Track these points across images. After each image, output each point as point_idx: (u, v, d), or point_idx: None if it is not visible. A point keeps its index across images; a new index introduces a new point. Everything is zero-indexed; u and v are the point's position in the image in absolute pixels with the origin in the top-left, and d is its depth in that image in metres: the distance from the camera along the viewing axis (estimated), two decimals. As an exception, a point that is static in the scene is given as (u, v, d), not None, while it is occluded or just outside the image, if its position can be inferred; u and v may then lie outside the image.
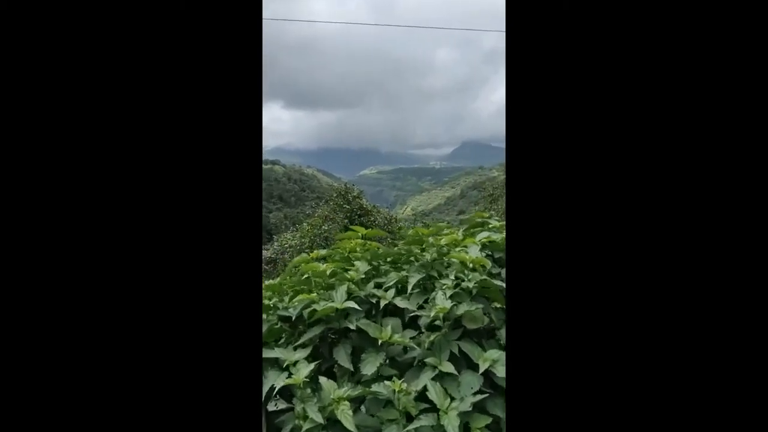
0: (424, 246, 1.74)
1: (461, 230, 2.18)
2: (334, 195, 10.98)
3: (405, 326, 1.49)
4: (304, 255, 1.95)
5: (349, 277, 1.59)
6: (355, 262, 1.67)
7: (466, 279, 1.43)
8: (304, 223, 11.42)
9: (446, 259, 1.71)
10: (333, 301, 1.42)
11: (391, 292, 1.54)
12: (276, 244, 11.85)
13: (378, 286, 1.64)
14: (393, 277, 1.60)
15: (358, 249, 1.84)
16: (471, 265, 1.47)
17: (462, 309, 1.33)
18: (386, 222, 10.94)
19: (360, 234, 1.79)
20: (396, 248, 1.89)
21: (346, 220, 10.41)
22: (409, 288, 1.52)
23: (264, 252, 12.06)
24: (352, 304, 1.36)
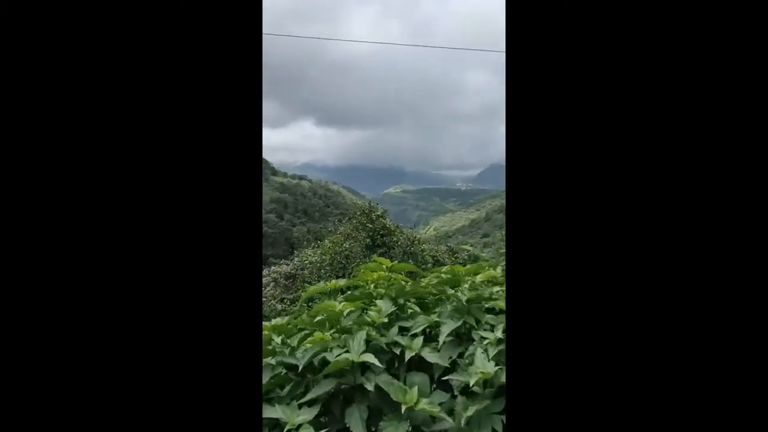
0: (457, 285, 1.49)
1: (500, 267, 1.92)
2: (358, 213, 10.78)
3: (434, 384, 1.23)
4: (320, 285, 1.72)
5: (369, 318, 1.35)
6: (378, 301, 1.43)
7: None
8: (326, 240, 11.24)
9: (485, 303, 1.44)
10: (348, 350, 1.18)
11: (419, 341, 1.28)
12: (296, 259, 11.71)
13: (403, 330, 1.38)
14: (421, 322, 1.35)
15: (381, 283, 1.60)
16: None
17: (509, 376, 1.06)
18: (409, 243, 10.64)
19: (385, 267, 1.55)
20: (423, 284, 1.64)
21: (368, 239, 10.17)
22: (441, 339, 1.26)
23: (285, 267, 11.91)
24: (371, 358, 1.11)
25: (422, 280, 1.76)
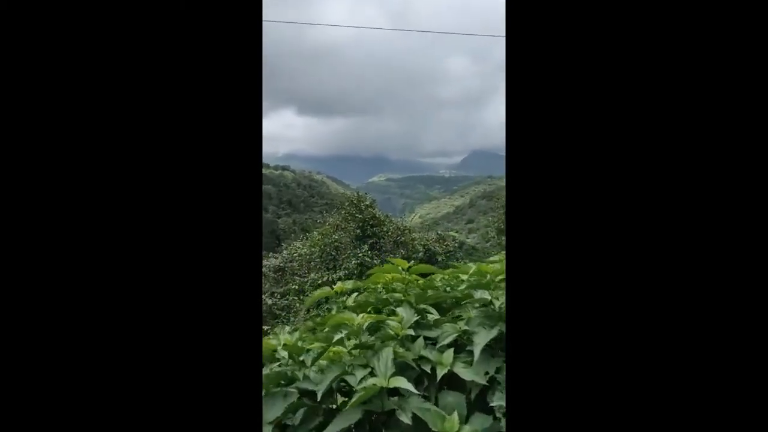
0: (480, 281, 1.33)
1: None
2: (346, 204, 10.54)
3: (471, 406, 1.08)
4: (325, 288, 1.55)
5: (392, 331, 1.18)
6: (398, 309, 1.26)
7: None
8: (315, 232, 10.99)
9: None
10: (373, 370, 1.01)
11: (449, 354, 1.13)
12: (285, 252, 11.46)
13: (428, 342, 1.23)
14: (448, 332, 1.19)
15: (394, 286, 1.44)
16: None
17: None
18: (399, 232, 10.49)
19: (401, 268, 1.38)
20: (438, 284, 1.48)
21: (357, 230, 9.98)
22: (477, 352, 1.11)
23: (273, 260, 11.64)
24: (403, 383, 0.95)
25: (434, 278, 1.61)
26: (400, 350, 1.08)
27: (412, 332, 1.16)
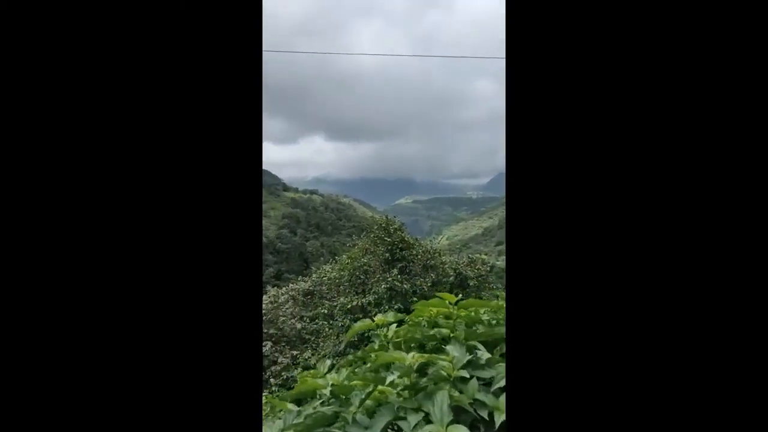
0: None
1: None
2: (375, 227, 10.51)
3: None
4: (366, 321, 1.51)
5: (444, 372, 1.12)
6: (448, 347, 1.20)
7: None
8: (344, 255, 10.99)
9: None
10: (428, 415, 0.96)
11: (503, 398, 1.05)
12: (314, 275, 11.50)
13: (482, 383, 1.16)
14: (502, 374, 1.12)
15: (438, 319, 1.38)
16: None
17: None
18: (428, 256, 10.32)
19: (448, 302, 1.32)
20: (488, 318, 1.41)
21: (386, 254, 9.90)
22: (538, 398, 1.03)
23: (302, 284, 11.66)
24: (464, 431, 0.89)
25: (478, 310, 1.53)
26: (455, 393, 1.02)
27: (465, 373, 1.10)
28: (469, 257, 10.86)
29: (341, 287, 9.96)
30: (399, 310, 9.57)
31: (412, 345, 1.32)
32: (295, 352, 9.68)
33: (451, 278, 9.71)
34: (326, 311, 9.52)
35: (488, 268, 11.19)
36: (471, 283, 9.66)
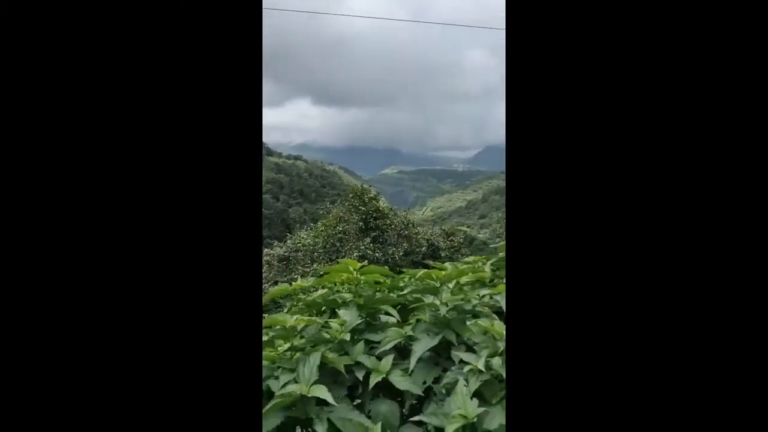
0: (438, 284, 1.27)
1: (489, 263, 1.70)
2: (350, 195, 10.49)
3: (404, 419, 1.03)
4: (284, 285, 1.51)
5: (329, 334, 1.13)
6: (341, 311, 1.21)
7: (501, 359, 0.95)
8: (318, 223, 10.99)
9: (470, 312, 1.23)
10: (297, 377, 0.97)
11: (387, 361, 1.08)
12: (290, 241, 11.50)
13: (372, 345, 1.18)
14: (392, 337, 1.14)
15: (349, 285, 1.39)
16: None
17: (496, 419, 0.85)
18: (403, 226, 10.41)
19: (352, 269, 1.32)
20: (402, 284, 1.43)
21: (360, 222, 9.93)
22: (413, 362, 1.05)
23: (278, 249, 11.67)
24: (322, 392, 0.90)
25: (402, 277, 1.55)
26: (331, 355, 1.03)
27: (347, 336, 1.11)
28: (442, 229, 10.99)
29: (315, 254, 10.01)
30: None
31: (314, 310, 1.33)
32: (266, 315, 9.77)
33: (424, 248, 9.87)
34: (300, 277, 9.65)
35: (463, 239, 11.34)
36: (442, 254, 9.82)
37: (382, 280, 1.44)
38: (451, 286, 1.36)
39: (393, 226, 10.27)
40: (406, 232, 10.17)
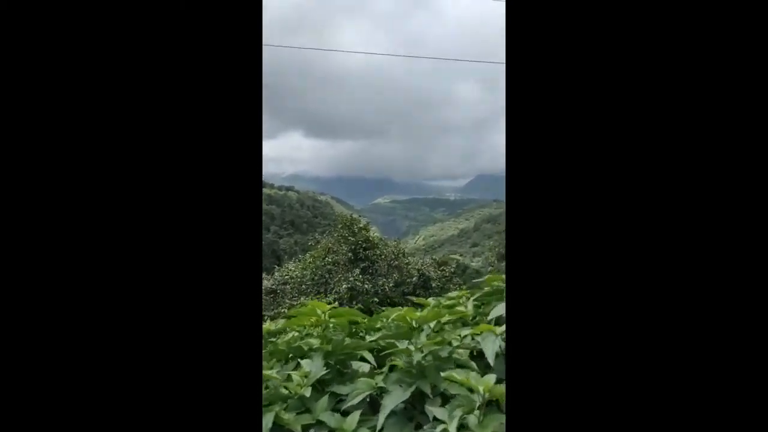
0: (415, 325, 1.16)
1: (472, 300, 1.60)
2: (339, 225, 10.38)
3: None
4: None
5: (288, 389, 1.01)
6: (304, 362, 1.09)
7: (478, 418, 0.84)
8: (307, 254, 10.81)
9: (447, 360, 1.12)
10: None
11: (353, 419, 0.96)
12: (277, 273, 11.27)
13: (338, 398, 1.05)
14: (360, 389, 1.03)
15: (317, 330, 1.27)
16: (485, 394, 0.87)
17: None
18: (394, 256, 10.28)
19: (320, 311, 1.21)
20: (372, 330, 1.32)
21: (350, 253, 9.79)
22: (381, 420, 0.94)
23: (266, 282, 11.42)
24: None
25: (380, 317, 1.44)
26: (287, 415, 0.91)
27: (307, 392, 0.99)
28: (433, 258, 10.87)
29: (303, 286, 9.79)
30: (361, 311, 9.52)
31: (275, 359, 1.21)
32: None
33: (415, 278, 9.70)
34: (286, 310, 9.37)
35: (454, 269, 11.22)
36: (434, 284, 9.66)
37: (359, 319, 1.34)
38: (432, 325, 1.26)
39: (383, 257, 10.13)
40: (397, 262, 10.03)
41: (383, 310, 1.61)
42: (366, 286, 9.08)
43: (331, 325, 1.24)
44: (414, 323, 1.13)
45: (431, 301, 2.02)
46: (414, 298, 2.14)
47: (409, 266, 10.18)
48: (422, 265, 10.30)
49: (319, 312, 1.19)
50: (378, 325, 1.32)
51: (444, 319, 1.36)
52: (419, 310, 1.67)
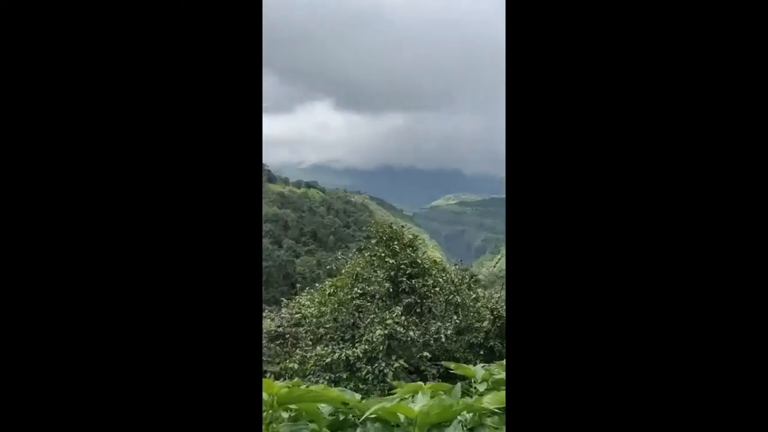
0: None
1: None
2: (373, 240, 10.20)
3: None
4: None
5: None
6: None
7: None
8: (327, 283, 10.78)
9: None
10: None
11: None
12: (285, 310, 11.32)
13: None
14: None
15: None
16: None
17: None
18: (455, 287, 9.99)
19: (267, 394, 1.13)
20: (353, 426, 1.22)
21: (388, 282, 9.63)
22: None
23: (269, 322, 11.46)
24: None
25: (368, 404, 1.34)
26: None
27: None
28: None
29: (321, 329, 9.68)
30: (404, 370, 9.09)
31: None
32: None
33: (486, 323, 9.34)
34: (296, 365, 9.27)
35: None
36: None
37: (346, 403, 1.24)
38: (468, 416, 1.15)
39: (439, 289, 9.86)
40: (458, 297, 9.76)
41: (437, 370, 1.49)
42: (411, 332, 8.85)
43: (287, 415, 1.16)
44: (406, 423, 1.02)
45: (479, 369, 1.92)
46: (452, 365, 2.00)
47: (478, 304, 9.89)
48: (498, 302, 9.96)
49: (265, 396, 1.12)
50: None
51: (486, 403, 1.24)
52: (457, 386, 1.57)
